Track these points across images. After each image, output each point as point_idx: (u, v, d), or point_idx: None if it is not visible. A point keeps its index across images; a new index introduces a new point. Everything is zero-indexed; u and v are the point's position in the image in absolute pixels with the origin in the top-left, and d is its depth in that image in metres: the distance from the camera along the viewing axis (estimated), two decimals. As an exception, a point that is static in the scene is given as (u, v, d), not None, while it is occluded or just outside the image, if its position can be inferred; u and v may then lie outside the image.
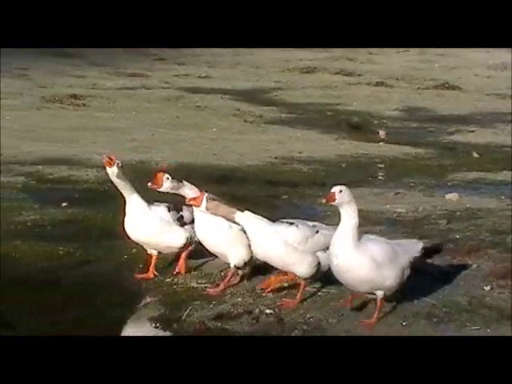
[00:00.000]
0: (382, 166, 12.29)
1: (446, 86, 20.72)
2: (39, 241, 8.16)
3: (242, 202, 10.07)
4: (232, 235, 6.79)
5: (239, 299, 6.71)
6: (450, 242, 8.03)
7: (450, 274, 7.10)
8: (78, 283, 7.29)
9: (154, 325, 6.47)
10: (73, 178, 10.76)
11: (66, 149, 12.37)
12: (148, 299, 6.97)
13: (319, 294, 6.73)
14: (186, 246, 7.24)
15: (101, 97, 17.21)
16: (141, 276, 7.31)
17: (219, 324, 6.28)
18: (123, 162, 11.36)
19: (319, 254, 6.45)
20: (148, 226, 7.17)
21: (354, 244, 5.98)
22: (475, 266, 7.28)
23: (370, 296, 6.23)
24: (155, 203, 7.31)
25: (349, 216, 5.98)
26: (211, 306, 6.62)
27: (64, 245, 8.09)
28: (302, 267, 6.43)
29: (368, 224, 8.86)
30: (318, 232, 6.49)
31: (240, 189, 10.59)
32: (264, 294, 6.73)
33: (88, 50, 24.89)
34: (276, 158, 12.41)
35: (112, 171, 7.07)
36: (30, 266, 7.61)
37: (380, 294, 6.12)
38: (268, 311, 6.43)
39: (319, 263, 6.44)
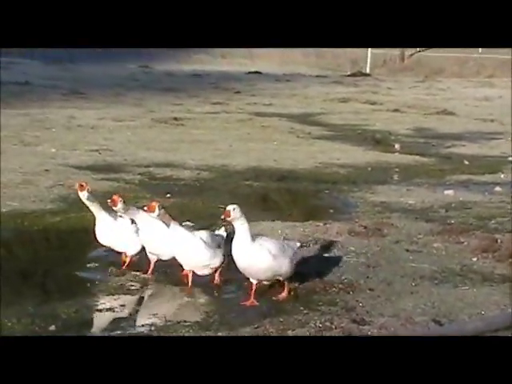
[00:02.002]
0: (397, 170, 12.15)
1: (445, 112, 20.43)
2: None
3: (295, 194, 10.16)
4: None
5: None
6: (447, 225, 7.92)
7: (447, 248, 7.01)
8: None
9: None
10: (174, 177, 10.80)
11: (169, 156, 12.42)
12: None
13: (354, 259, 6.65)
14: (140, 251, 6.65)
15: (194, 119, 17.27)
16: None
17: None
18: (209, 165, 11.69)
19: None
20: (114, 233, 6.59)
21: (250, 243, 5.55)
22: (465, 242, 7.16)
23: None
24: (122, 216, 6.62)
25: (241, 226, 5.53)
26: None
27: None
28: (212, 260, 6.02)
29: (387, 211, 8.79)
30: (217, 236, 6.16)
31: (294, 185, 10.57)
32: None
33: (186, 87, 24.96)
34: (320, 163, 12.32)
35: (83, 194, 6.53)
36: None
37: (281, 278, 5.74)
38: (314, 274, 6.36)
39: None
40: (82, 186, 6.56)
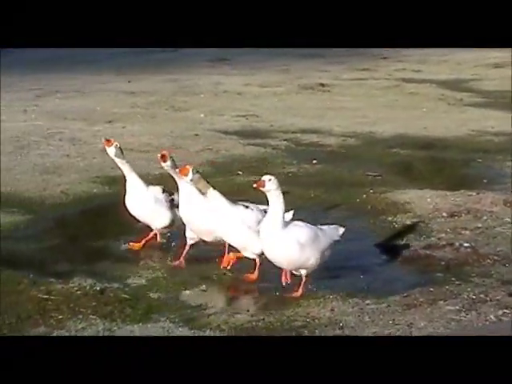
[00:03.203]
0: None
1: None
2: (296, 186, 8.29)
3: (445, 163, 9.85)
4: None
5: (443, 235, 6.49)
6: None
7: None
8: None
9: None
10: (320, 143, 10.79)
11: (315, 122, 12.40)
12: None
13: (510, 231, 6.37)
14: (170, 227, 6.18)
15: (340, 85, 17.11)
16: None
17: (428, 252, 6.10)
18: (355, 132, 11.57)
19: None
20: (142, 202, 6.10)
21: (280, 227, 5.07)
22: None
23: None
24: (152, 185, 6.29)
25: (275, 202, 5.06)
26: (422, 238, 6.43)
27: (313, 190, 8.17)
28: (255, 245, 5.41)
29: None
30: None
31: (442, 153, 10.24)
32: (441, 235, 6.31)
33: (332, 53, 24.75)
34: (472, 131, 11.85)
35: (110, 151, 6.04)
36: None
37: (303, 272, 5.25)
38: (466, 244, 6.18)
39: None
40: (108, 141, 6.07)
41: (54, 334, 4.49)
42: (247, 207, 5.51)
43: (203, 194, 5.46)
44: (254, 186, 5.07)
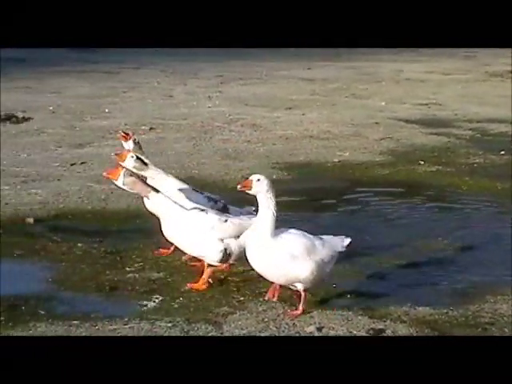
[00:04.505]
0: None
1: None
2: (482, 177, 8.05)
3: None
4: None
5: None
6: None
7: None
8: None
9: None
10: (509, 133, 10.40)
11: (504, 111, 11.88)
12: None
13: None
14: None
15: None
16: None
17: None
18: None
19: (231, 240, 4.99)
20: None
21: (269, 235, 4.55)
22: None
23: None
24: None
25: (265, 206, 4.55)
26: None
27: (501, 182, 7.87)
28: (208, 252, 4.97)
29: None
30: (226, 221, 5.00)
31: None
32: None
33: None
34: None
35: (128, 145, 5.69)
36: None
37: (299, 286, 4.66)
38: None
39: (226, 250, 4.97)
40: (125, 135, 5.75)
41: (237, 315, 4.62)
42: (202, 210, 5.04)
43: (146, 197, 5.01)
44: (239, 187, 4.60)
